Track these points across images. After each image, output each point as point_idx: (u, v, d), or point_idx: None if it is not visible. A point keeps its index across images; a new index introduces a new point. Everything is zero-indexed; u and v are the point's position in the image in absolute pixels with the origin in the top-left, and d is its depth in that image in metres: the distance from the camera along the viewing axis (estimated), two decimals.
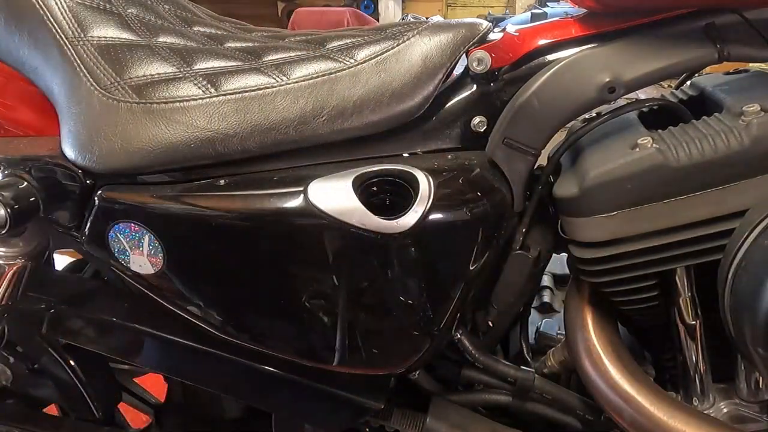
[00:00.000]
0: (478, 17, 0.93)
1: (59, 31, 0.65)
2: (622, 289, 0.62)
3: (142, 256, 0.64)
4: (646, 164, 0.55)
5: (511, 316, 0.78)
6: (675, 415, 0.61)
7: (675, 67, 0.58)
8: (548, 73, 0.59)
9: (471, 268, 0.63)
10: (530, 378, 0.73)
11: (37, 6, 0.66)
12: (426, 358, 0.69)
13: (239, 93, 0.63)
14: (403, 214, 0.59)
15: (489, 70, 0.64)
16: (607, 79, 0.57)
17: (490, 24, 0.67)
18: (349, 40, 0.67)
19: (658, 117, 0.64)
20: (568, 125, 0.63)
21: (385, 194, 0.62)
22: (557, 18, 0.64)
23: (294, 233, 0.61)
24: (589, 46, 0.60)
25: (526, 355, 0.81)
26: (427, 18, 0.86)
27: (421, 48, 0.64)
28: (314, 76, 0.63)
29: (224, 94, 0.63)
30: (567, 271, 0.97)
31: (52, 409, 0.96)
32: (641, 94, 0.67)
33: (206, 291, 0.68)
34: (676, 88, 0.73)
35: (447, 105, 0.66)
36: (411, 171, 0.61)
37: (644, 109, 0.67)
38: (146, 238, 0.64)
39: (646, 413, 0.62)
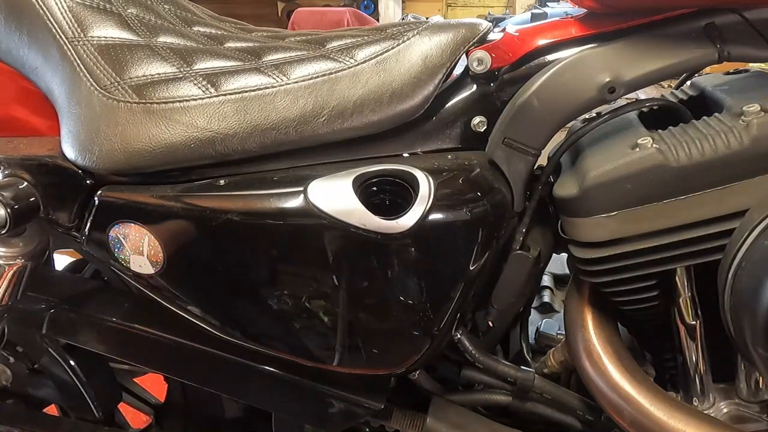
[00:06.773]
0: (478, 17, 0.93)
1: (59, 31, 0.65)
2: (622, 289, 0.62)
3: (142, 256, 0.64)
4: (646, 164, 0.55)
5: (511, 316, 0.78)
6: (675, 415, 0.61)
7: (675, 67, 0.58)
8: (548, 73, 0.59)
9: (471, 268, 0.63)
10: (530, 378, 0.73)
11: (37, 6, 0.66)
12: (426, 359, 0.69)
13: (239, 93, 0.63)
14: (403, 214, 0.59)
15: (489, 70, 0.64)
16: (607, 79, 0.57)
17: (490, 24, 0.67)
18: (349, 40, 0.67)
19: (658, 117, 0.64)
20: (568, 125, 0.63)
21: (385, 194, 0.62)
22: (557, 18, 0.64)
23: (294, 233, 0.61)
24: (589, 46, 0.60)
25: (526, 355, 0.81)
26: (427, 18, 0.86)
27: (421, 48, 0.64)
28: (314, 76, 0.63)
29: (224, 94, 0.63)
30: (567, 271, 0.97)
31: (52, 409, 0.96)
32: (641, 94, 0.67)
33: (206, 291, 0.68)
34: (676, 88, 0.73)
35: (447, 105, 0.66)
36: (411, 171, 0.61)
37: (644, 109, 0.67)
38: (146, 238, 0.63)
39: (646, 413, 0.62)
